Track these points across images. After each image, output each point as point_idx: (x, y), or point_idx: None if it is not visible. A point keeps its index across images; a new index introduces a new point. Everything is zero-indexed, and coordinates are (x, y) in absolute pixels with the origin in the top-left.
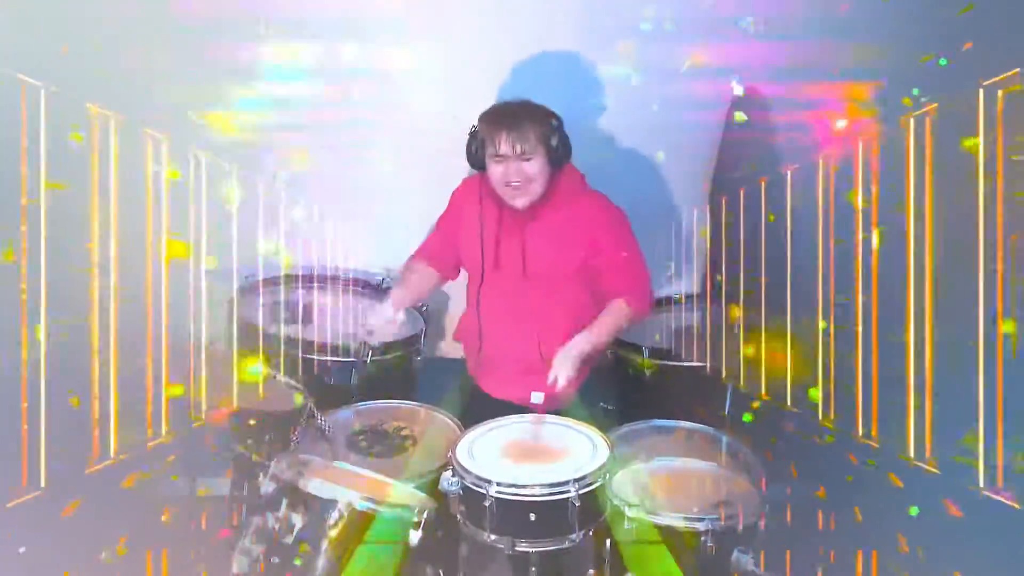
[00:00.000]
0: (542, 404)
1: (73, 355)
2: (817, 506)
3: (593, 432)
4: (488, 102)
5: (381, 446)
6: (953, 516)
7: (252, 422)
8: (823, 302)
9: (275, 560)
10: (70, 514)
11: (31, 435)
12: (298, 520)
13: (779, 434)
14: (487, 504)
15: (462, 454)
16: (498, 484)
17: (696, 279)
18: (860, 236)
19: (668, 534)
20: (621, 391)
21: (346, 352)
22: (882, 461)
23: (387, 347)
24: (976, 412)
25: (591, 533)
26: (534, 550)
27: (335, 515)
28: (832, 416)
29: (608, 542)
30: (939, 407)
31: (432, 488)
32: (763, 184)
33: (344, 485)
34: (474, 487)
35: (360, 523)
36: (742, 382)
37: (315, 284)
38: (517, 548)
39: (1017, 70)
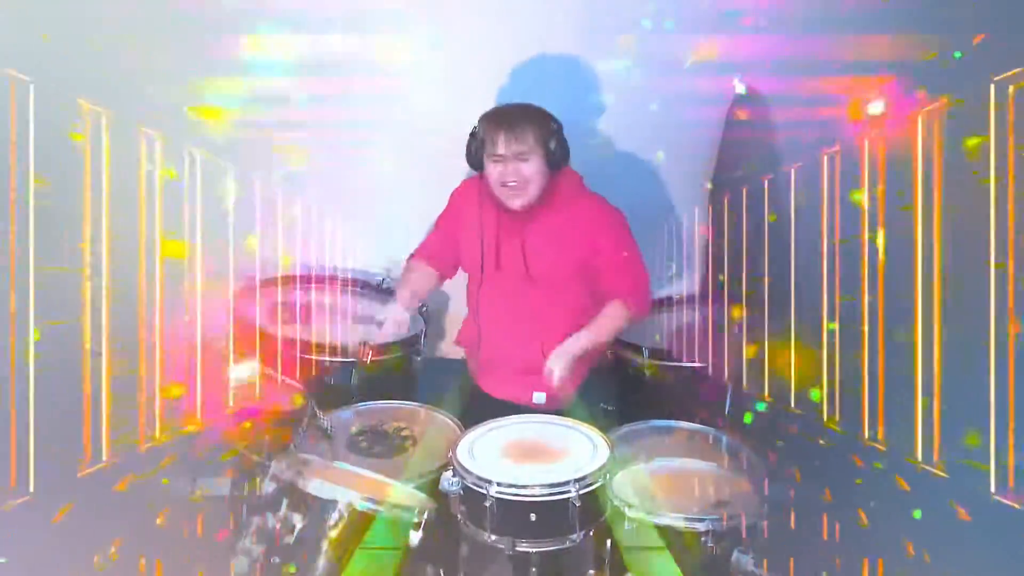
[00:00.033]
0: (544, 404)
1: (65, 356)
2: (822, 509)
3: (593, 432)
4: (488, 102)
5: (381, 446)
6: (962, 520)
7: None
8: (828, 302)
9: (275, 560)
10: (61, 519)
11: (20, 438)
12: (298, 520)
13: (783, 436)
14: (487, 504)
15: (462, 454)
16: (498, 484)
17: (697, 279)
18: (866, 234)
19: (668, 534)
20: (621, 391)
21: (346, 352)
22: (889, 464)
23: (387, 347)
24: (987, 414)
25: (591, 533)
26: (534, 550)
27: (335, 515)
28: (837, 418)
29: (608, 542)
30: (947, 409)
31: (432, 488)
32: (766, 183)
33: (344, 485)
34: (474, 487)
35: (360, 523)
36: (745, 383)
37: (313, 284)
38: (517, 548)
39: None
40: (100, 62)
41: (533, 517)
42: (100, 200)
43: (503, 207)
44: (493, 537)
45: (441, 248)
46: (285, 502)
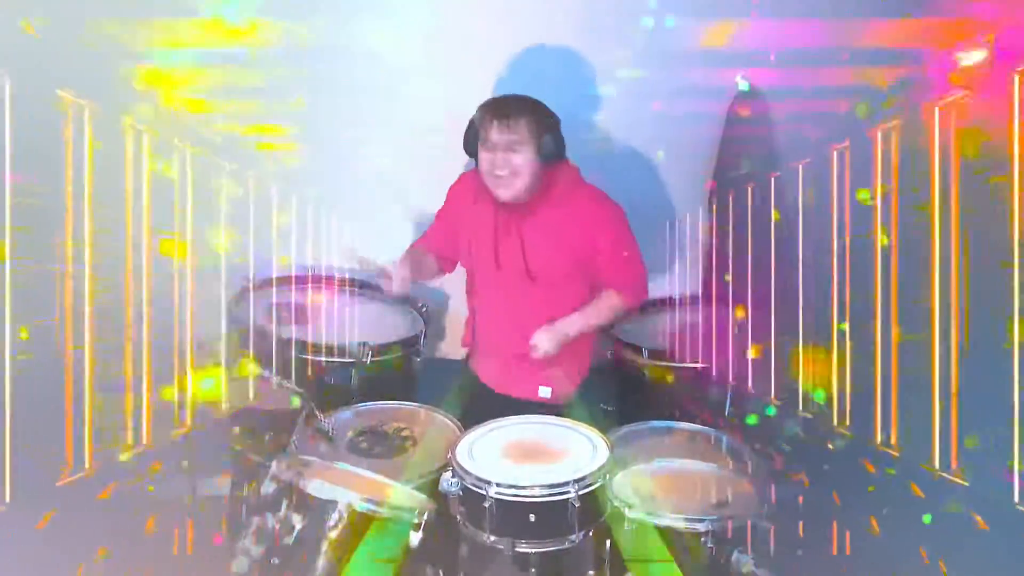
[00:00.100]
0: (550, 399)
1: (44, 358)
2: (830, 514)
3: (593, 433)
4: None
5: (381, 447)
6: (981, 530)
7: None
8: (838, 302)
9: (275, 561)
10: (39, 531)
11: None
12: (298, 521)
13: (790, 439)
14: (487, 505)
15: (462, 455)
16: (498, 485)
17: (700, 279)
18: (878, 232)
19: (668, 535)
20: (621, 392)
21: (345, 353)
22: (903, 470)
23: (387, 348)
24: (1009, 419)
25: (591, 534)
26: (534, 551)
27: (335, 516)
28: (847, 421)
29: (608, 543)
30: (965, 413)
31: (432, 489)
32: (772, 180)
33: (344, 486)
34: (474, 488)
35: (360, 524)
36: (750, 385)
37: (310, 285)
38: (517, 549)
39: None
40: (82, 53)
41: (532, 518)
42: (82, 196)
43: (500, 203)
44: (492, 538)
45: (439, 242)
46: (285, 503)
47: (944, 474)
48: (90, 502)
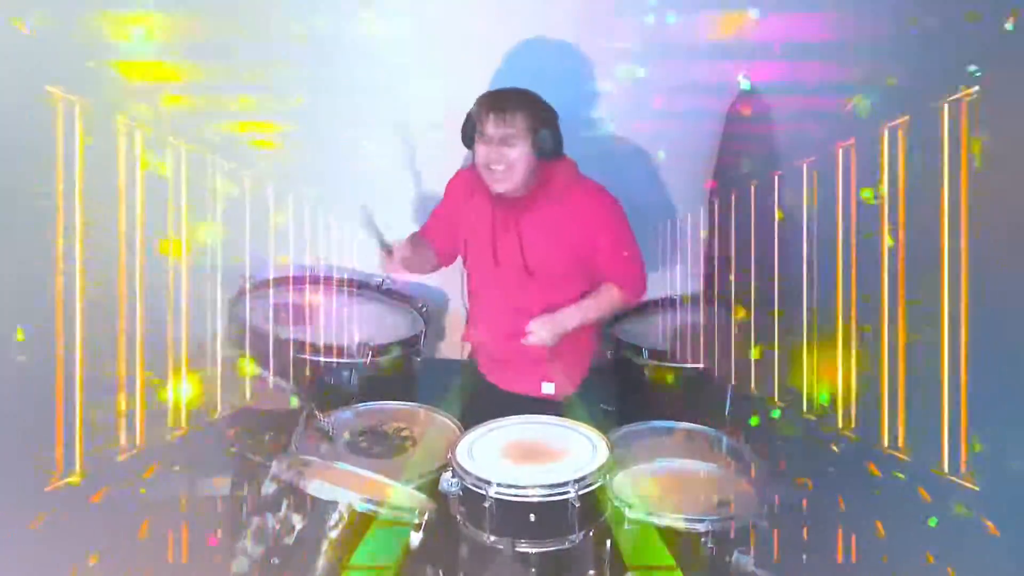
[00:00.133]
0: (554, 394)
1: (35, 360)
2: (835, 518)
3: (593, 433)
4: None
5: (381, 447)
6: (991, 535)
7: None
8: (843, 302)
9: (275, 561)
10: (26, 537)
11: None
12: (298, 521)
13: (795, 442)
14: (487, 505)
15: (462, 455)
16: (498, 485)
17: (700, 279)
18: (885, 231)
19: (668, 535)
20: (621, 392)
21: (345, 353)
22: (911, 473)
23: (386, 348)
24: (1022, 422)
25: (591, 534)
26: (534, 551)
27: (335, 516)
28: (853, 424)
29: (608, 542)
30: (975, 416)
31: (432, 489)
32: (775, 178)
33: (344, 486)
34: (474, 488)
35: (360, 524)
36: (753, 387)
37: (308, 285)
38: (517, 549)
39: None
40: (73, 49)
41: (532, 518)
42: (72, 195)
43: (496, 199)
44: (492, 538)
45: (437, 236)
46: (285, 503)
47: (954, 478)
48: (81, 506)
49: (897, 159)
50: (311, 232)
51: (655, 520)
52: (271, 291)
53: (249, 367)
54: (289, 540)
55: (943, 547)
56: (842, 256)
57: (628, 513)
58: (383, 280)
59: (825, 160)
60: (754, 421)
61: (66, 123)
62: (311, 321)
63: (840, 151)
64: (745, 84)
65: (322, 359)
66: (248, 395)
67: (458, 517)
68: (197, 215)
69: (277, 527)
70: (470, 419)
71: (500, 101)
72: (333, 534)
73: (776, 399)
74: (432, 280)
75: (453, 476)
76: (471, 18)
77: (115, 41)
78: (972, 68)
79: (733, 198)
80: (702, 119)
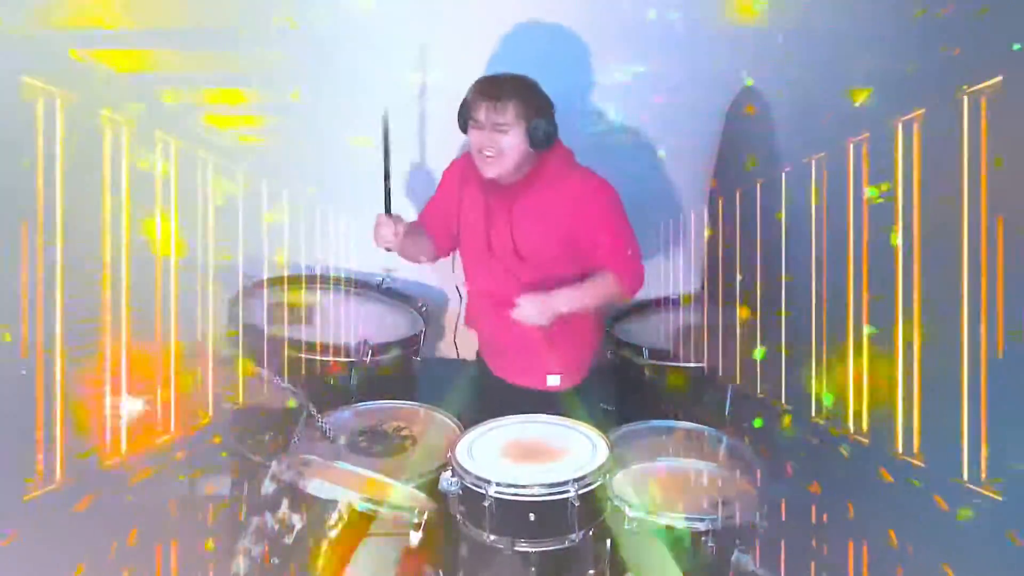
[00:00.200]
0: (559, 386)
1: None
2: (844, 524)
3: (592, 432)
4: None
5: (381, 446)
6: (1014, 546)
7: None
8: (854, 302)
9: (275, 561)
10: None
11: None
12: (298, 520)
13: (802, 445)
14: (486, 504)
15: (461, 454)
16: (497, 484)
17: (702, 277)
18: (899, 229)
19: (668, 534)
20: (621, 391)
21: (344, 352)
22: (927, 480)
23: (386, 347)
24: None
25: (591, 533)
26: (534, 550)
27: (335, 515)
28: (865, 428)
29: (608, 542)
30: (995, 422)
31: (432, 488)
32: (783, 175)
33: (344, 485)
34: (473, 487)
35: (360, 523)
36: (759, 390)
37: (305, 284)
38: (517, 548)
39: None
40: (52, 40)
41: (532, 517)
42: (54, 192)
43: (490, 186)
44: (492, 537)
45: (432, 223)
46: (285, 502)
47: (973, 486)
48: (64, 515)
49: (911, 154)
50: (310, 231)
51: (655, 519)
52: (271, 291)
53: (248, 367)
54: (289, 540)
55: (962, 558)
56: (853, 255)
57: (628, 512)
58: (383, 279)
59: (836, 156)
60: (758, 423)
61: (46, 116)
62: (311, 321)
63: (851, 146)
64: (748, 83)
65: (321, 358)
66: (248, 395)
67: (458, 516)
68: (188, 213)
69: (277, 527)
70: (475, 414)
71: (493, 88)
72: (333, 534)
73: (783, 402)
74: (432, 280)
75: (453, 475)
76: (472, 14)
77: (99, 29)
78: (1017, 46)
79: (738, 195)
80: (704, 116)
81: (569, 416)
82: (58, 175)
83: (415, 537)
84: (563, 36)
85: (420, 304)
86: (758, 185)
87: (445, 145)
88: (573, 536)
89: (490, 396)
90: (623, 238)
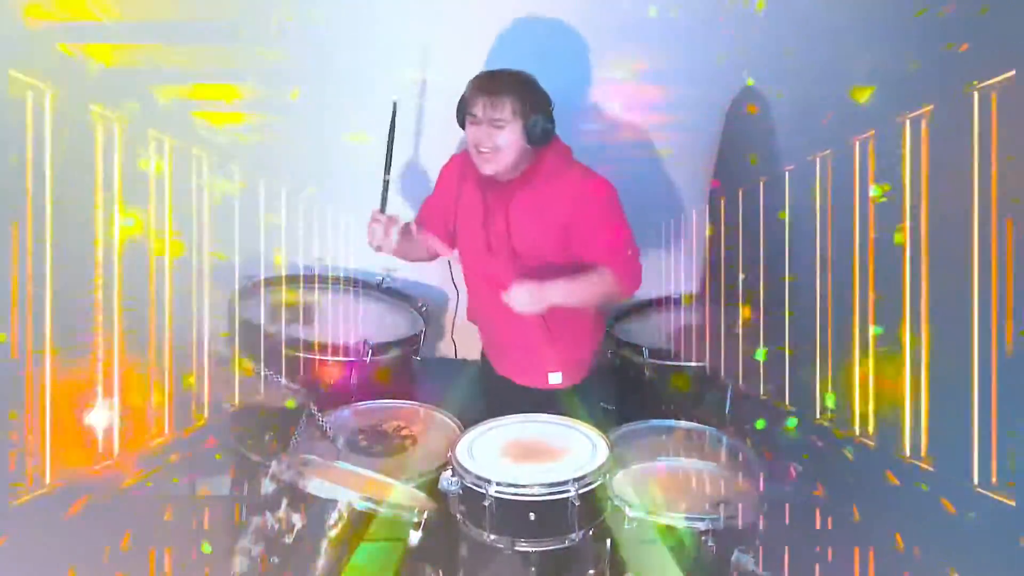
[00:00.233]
0: (561, 384)
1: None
2: (849, 528)
3: (593, 432)
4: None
5: (381, 446)
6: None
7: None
8: (860, 303)
9: (275, 561)
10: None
11: None
12: (298, 520)
13: (806, 447)
14: (486, 504)
15: (461, 454)
16: (497, 484)
17: (703, 277)
18: (907, 228)
19: (668, 534)
20: (621, 391)
21: (344, 352)
22: (934, 484)
23: (386, 347)
24: None
25: (591, 533)
26: (534, 550)
27: (335, 515)
28: (871, 430)
29: (608, 542)
30: (1006, 424)
31: (432, 488)
32: (786, 174)
33: (344, 485)
34: (473, 487)
35: (360, 523)
36: (762, 391)
37: (304, 284)
38: (517, 548)
39: None
40: (44, 35)
41: (532, 517)
42: (43, 190)
43: (487, 182)
44: (492, 537)
45: (431, 222)
46: (285, 502)
47: (984, 490)
48: (55, 518)
49: (919, 151)
50: (309, 230)
51: (655, 519)
52: (270, 290)
53: (247, 367)
54: (289, 539)
55: (971, 565)
56: (859, 254)
57: (628, 512)
58: (383, 279)
59: (840, 154)
60: (760, 424)
61: (35, 112)
62: (310, 320)
63: (857, 144)
64: (750, 83)
65: (320, 358)
66: (246, 396)
67: (458, 516)
68: (183, 212)
69: (277, 526)
70: (478, 413)
71: (491, 83)
72: (333, 533)
73: (787, 404)
74: (432, 280)
75: (453, 475)
76: (472, 13)
77: (90, 22)
78: None
79: (740, 194)
80: (705, 113)
81: (570, 415)
82: (48, 173)
83: (415, 537)
84: (563, 32)
85: (420, 304)
86: (761, 184)
87: (442, 143)
88: (573, 536)
89: (494, 395)
90: (621, 236)
